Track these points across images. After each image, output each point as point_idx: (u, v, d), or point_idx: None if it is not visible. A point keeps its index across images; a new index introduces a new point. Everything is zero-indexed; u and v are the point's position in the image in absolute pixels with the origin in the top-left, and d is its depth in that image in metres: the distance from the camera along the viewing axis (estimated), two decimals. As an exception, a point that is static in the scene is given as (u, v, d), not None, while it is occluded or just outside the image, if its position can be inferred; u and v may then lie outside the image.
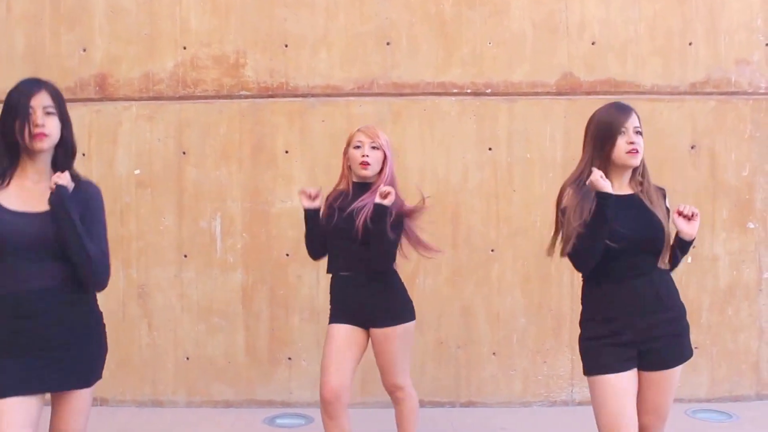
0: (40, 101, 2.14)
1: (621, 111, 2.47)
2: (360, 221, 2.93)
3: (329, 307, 3.19)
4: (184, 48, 4.32)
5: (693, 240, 2.47)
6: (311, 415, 4.10)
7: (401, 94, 4.30)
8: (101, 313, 2.40)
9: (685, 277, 4.24)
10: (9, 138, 2.14)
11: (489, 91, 4.31)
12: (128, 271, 4.29)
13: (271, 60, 4.30)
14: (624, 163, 2.44)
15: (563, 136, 4.28)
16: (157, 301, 4.31)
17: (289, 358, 4.29)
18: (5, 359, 2.14)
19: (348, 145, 3.11)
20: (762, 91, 4.35)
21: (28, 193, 2.19)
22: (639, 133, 2.45)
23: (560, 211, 2.52)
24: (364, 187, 3.06)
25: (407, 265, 3.81)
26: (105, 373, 4.34)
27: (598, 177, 2.34)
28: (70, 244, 2.18)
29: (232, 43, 4.31)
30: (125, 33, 4.33)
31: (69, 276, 2.22)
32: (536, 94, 4.31)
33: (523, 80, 4.31)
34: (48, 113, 2.15)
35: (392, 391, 3.10)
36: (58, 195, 2.17)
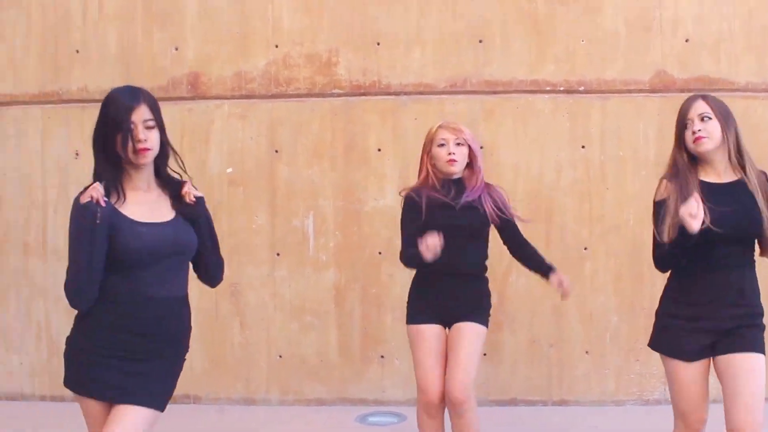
0: (141, 115, 2.13)
1: (687, 102, 2.61)
2: (490, 209, 2.97)
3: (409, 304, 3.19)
4: (276, 46, 4.40)
5: None
6: (404, 413, 4.15)
7: (494, 92, 4.34)
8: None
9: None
10: (111, 152, 2.14)
11: (582, 88, 4.33)
12: (222, 269, 4.37)
13: (363, 58, 4.36)
14: (696, 150, 2.53)
15: (656, 134, 4.28)
16: (250, 300, 4.38)
17: (382, 357, 4.34)
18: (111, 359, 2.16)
19: (430, 143, 3.10)
20: None
21: (145, 203, 2.21)
22: (707, 118, 2.51)
23: (656, 204, 2.60)
24: (456, 182, 3.07)
25: (499, 265, 3.86)
26: (199, 370, 4.41)
27: (686, 215, 2.36)
28: (212, 251, 2.31)
29: (324, 42, 4.37)
30: (217, 32, 4.42)
31: (185, 287, 2.31)
32: (629, 91, 4.32)
33: (616, 78, 4.32)
34: (148, 127, 2.15)
35: (459, 402, 2.91)
36: (201, 205, 2.26)
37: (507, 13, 4.32)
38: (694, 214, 2.34)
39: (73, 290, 2.11)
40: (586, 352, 4.32)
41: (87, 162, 4.10)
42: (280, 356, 4.37)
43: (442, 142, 3.04)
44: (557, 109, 4.33)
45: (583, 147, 4.31)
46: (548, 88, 4.33)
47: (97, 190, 2.08)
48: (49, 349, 4.49)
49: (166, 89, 4.38)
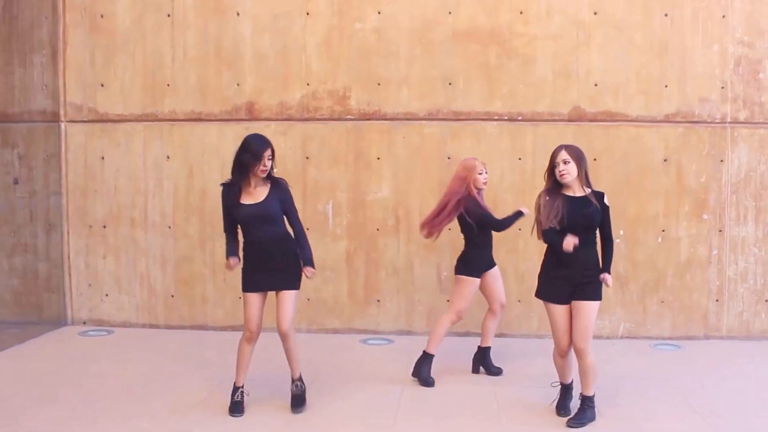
0: (267, 153, 4.07)
1: (556, 150, 4.07)
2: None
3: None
4: (308, 84, 6.07)
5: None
6: (393, 339, 5.96)
7: (459, 119, 6.01)
8: (296, 251, 4.26)
9: (656, 252, 6.00)
10: (245, 168, 4.06)
11: (520, 118, 5.99)
12: (268, 238, 6.14)
13: (368, 94, 6.03)
14: (560, 181, 4.05)
15: (572, 150, 5.97)
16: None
17: (378, 300, 6.12)
18: (256, 273, 4.10)
19: (472, 171, 4.84)
20: (717, 121, 5.95)
21: (251, 194, 4.12)
22: (567, 162, 4.00)
23: (536, 208, 4.20)
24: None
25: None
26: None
27: (570, 244, 3.93)
28: (291, 214, 4.28)
29: (341, 82, 6.04)
30: (266, 73, 6.08)
31: (282, 231, 4.21)
32: (554, 120, 5.96)
33: (544, 111, 5.98)
34: (269, 159, 4.07)
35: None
36: (284, 190, 4.26)
37: (469, 65, 5.97)
38: (572, 244, 3.96)
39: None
40: (519, 300, 6.05)
41: (175, 162, 6.11)
42: (308, 299, 6.14)
43: (481, 171, 4.87)
44: (502, 132, 6.01)
45: (520, 159, 5.99)
46: (496, 117, 5.99)
47: (229, 264, 4.13)
48: (148, 292, 6.29)
49: (230, 113, 6.09)
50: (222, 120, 6.10)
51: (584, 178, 4.11)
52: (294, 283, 4.21)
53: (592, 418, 4.13)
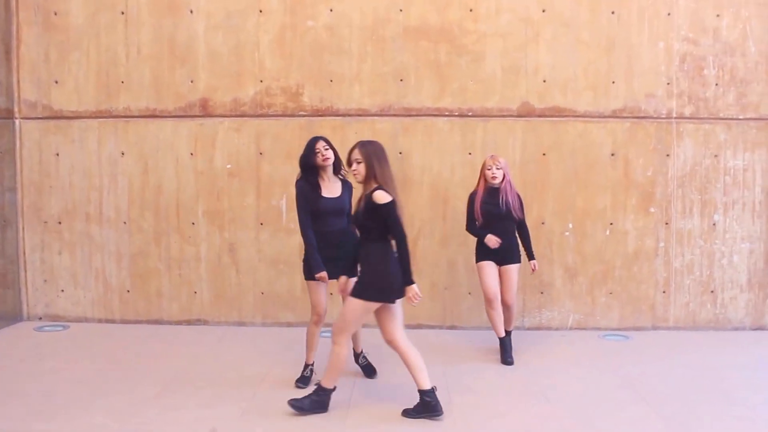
0: (320, 144, 4.52)
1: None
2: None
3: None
4: (261, 81, 6.14)
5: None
6: (345, 332, 6.03)
7: (410, 115, 6.11)
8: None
9: (604, 245, 6.13)
10: (311, 163, 4.39)
11: (470, 114, 6.11)
12: (223, 233, 6.21)
13: (321, 91, 6.12)
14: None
15: (521, 145, 6.09)
16: (242, 254, 6.22)
17: (331, 294, 6.15)
18: (326, 263, 4.41)
19: (483, 167, 5.20)
20: (663, 116, 6.11)
21: (328, 187, 4.53)
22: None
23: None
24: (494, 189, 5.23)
25: (411, 230, 5.68)
26: (207, 302, 6.25)
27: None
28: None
29: (294, 78, 6.12)
30: (220, 70, 6.14)
31: (347, 223, 4.48)
32: (503, 116, 6.09)
33: (494, 107, 6.09)
34: (326, 149, 4.37)
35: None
36: (349, 190, 4.67)
37: (419, 62, 6.08)
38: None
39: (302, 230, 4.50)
40: (469, 293, 6.19)
41: (130, 158, 6.18)
42: (263, 293, 6.22)
43: (489, 167, 5.15)
44: (453, 127, 6.12)
45: (470, 154, 6.10)
46: (447, 113, 6.11)
47: (323, 278, 4.48)
48: (104, 287, 6.34)
49: (185, 110, 6.14)
50: (176, 116, 6.16)
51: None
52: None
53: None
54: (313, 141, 4.57)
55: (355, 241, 4.24)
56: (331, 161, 4.54)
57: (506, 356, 5.20)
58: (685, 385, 4.71)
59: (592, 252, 6.15)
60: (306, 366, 4.74)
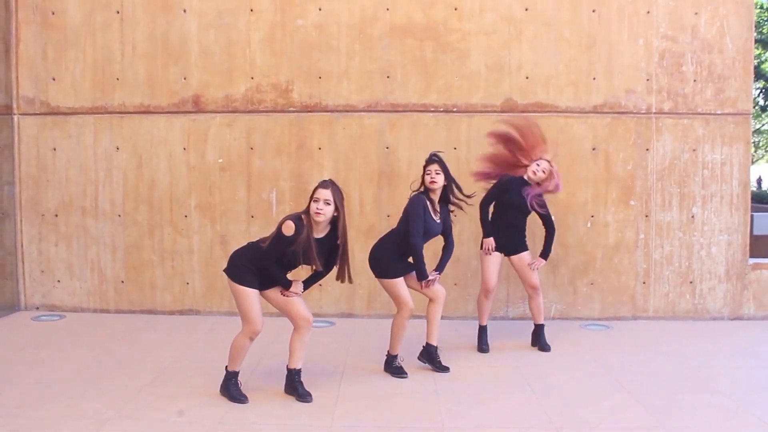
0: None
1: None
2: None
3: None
4: (252, 78, 6.31)
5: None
6: (333, 321, 6.21)
7: (396, 111, 6.27)
8: None
9: (586, 237, 6.29)
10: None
11: (455, 109, 6.27)
12: (215, 226, 6.37)
13: (310, 87, 6.29)
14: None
15: (505, 140, 6.26)
16: (233, 246, 6.20)
17: (320, 285, 6.31)
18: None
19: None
20: (643, 111, 6.27)
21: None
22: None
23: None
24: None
25: None
26: (199, 293, 6.36)
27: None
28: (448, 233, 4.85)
29: (284, 75, 6.29)
30: (212, 67, 6.32)
31: None
32: (487, 112, 6.25)
33: (478, 102, 6.26)
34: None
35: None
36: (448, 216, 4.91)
37: (406, 59, 6.25)
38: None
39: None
40: (455, 284, 6.35)
41: (124, 153, 6.30)
42: None
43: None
44: (438, 123, 6.29)
45: (455, 148, 6.25)
46: (432, 109, 6.27)
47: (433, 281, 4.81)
48: (99, 278, 6.51)
49: (178, 106, 6.32)
50: (170, 112, 6.33)
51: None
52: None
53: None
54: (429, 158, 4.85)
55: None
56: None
57: (482, 344, 5.42)
58: (665, 374, 4.79)
59: (573, 244, 6.31)
60: (395, 356, 4.85)
